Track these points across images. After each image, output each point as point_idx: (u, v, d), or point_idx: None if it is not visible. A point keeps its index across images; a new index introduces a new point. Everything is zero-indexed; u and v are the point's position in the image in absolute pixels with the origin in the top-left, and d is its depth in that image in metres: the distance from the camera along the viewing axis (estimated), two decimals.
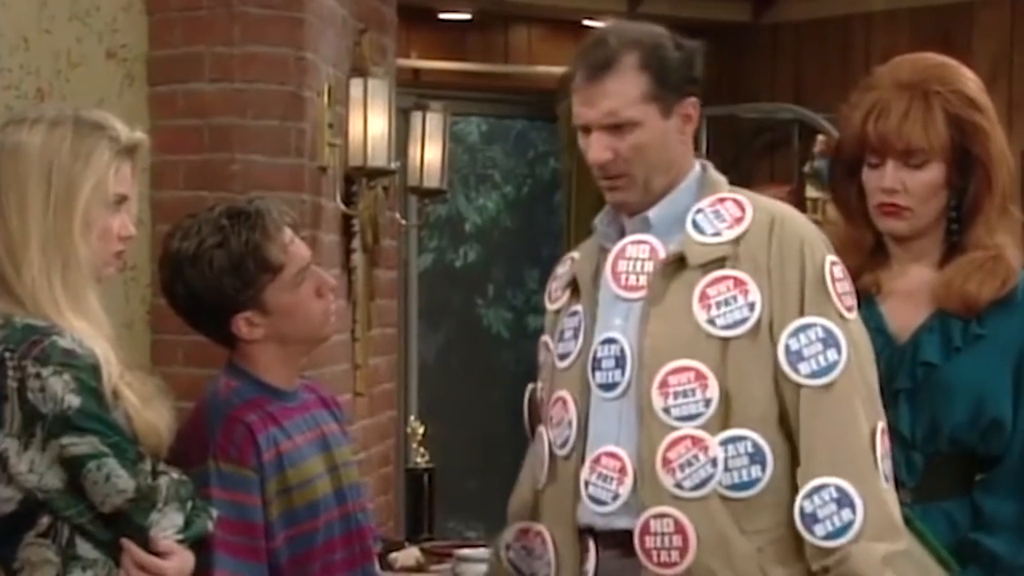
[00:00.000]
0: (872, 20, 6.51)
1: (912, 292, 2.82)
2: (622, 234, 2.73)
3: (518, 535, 2.85)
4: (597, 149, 2.66)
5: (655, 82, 2.65)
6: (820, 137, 6.35)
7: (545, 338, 2.85)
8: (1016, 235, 2.85)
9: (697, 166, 2.75)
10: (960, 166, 2.79)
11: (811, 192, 6.30)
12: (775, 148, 6.89)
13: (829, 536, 2.54)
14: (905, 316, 2.82)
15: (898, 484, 2.67)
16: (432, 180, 5.14)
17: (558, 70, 6.64)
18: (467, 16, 6.57)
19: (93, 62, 3.84)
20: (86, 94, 3.74)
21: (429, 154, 5.10)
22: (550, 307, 2.86)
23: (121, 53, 3.94)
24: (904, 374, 2.78)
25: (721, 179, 2.74)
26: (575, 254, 2.84)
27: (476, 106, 6.99)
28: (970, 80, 2.84)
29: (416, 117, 5.17)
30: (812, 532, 2.55)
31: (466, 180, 7.34)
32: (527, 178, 7.45)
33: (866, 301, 2.77)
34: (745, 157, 6.82)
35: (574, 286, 2.78)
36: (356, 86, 4.40)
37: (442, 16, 6.50)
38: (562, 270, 2.86)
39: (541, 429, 2.79)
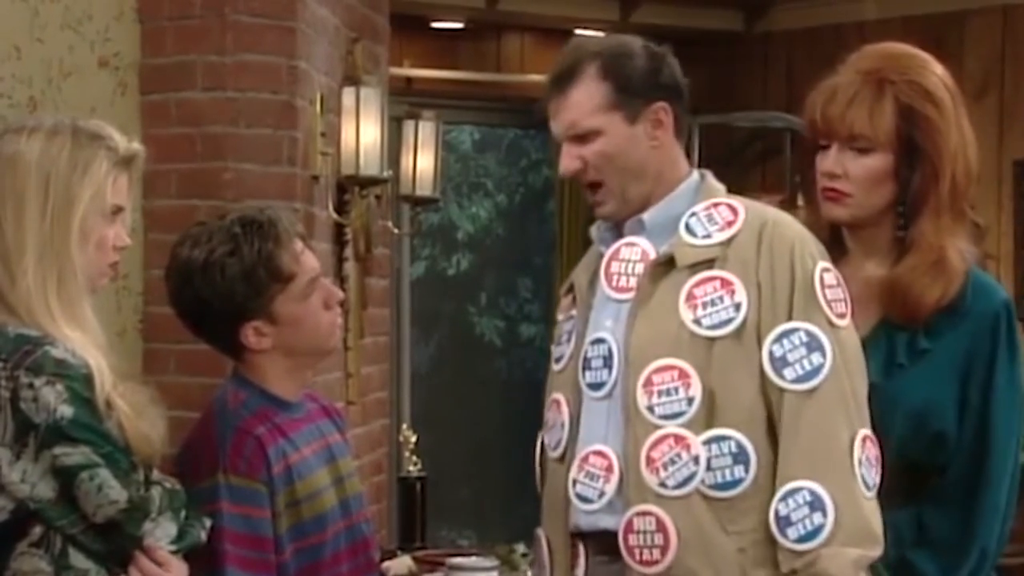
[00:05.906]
0: (864, 28, 6.51)
1: (860, 295, 2.76)
2: (620, 237, 2.74)
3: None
4: (566, 160, 2.72)
5: (616, 90, 2.68)
6: None
7: (552, 347, 2.86)
8: (968, 239, 2.78)
9: (695, 174, 2.76)
10: (908, 158, 2.74)
11: (803, 201, 6.30)
12: (767, 156, 6.90)
13: (801, 539, 2.54)
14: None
15: None
16: (424, 188, 5.14)
17: None
18: (459, 25, 6.57)
19: (85, 71, 3.83)
20: (78, 103, 3.73)
21: (422, 163, 5.10)
22: (558, 317, 2.87)
23: (113, 62, 3.93)
24: None
25: (719, 187, 2.76)
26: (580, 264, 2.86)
27: (468, 115, 7.00)
28: (933, 74, 2.79)
29: (408, 126, 5.16)
30: (785, 535, 2.55)
31: (459, 189, 7.35)
32: (519, 186, 7.46)
33: None
34: (737, 165, 6.82)
35: (573, 293, 2.80)
36: (348, 95, 4.41)
37: (434, 25, 6.51)
38: (570, 281, 2.87)
39: (539, 433, 2.80)
